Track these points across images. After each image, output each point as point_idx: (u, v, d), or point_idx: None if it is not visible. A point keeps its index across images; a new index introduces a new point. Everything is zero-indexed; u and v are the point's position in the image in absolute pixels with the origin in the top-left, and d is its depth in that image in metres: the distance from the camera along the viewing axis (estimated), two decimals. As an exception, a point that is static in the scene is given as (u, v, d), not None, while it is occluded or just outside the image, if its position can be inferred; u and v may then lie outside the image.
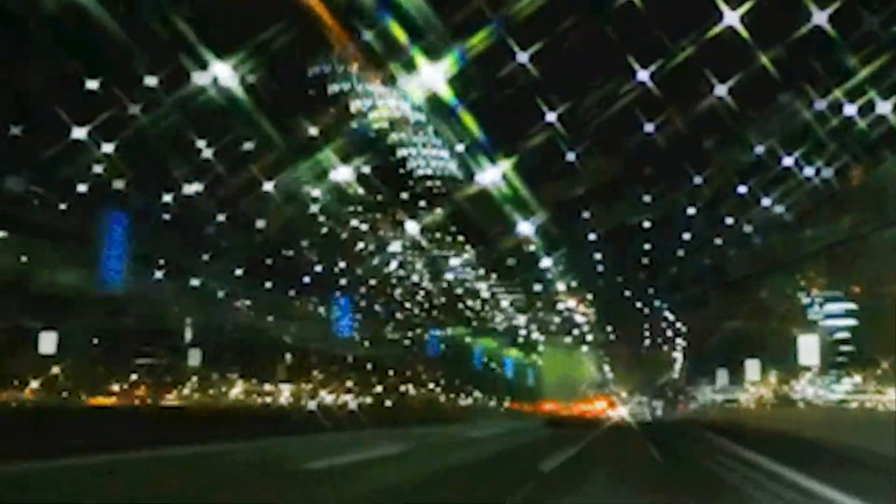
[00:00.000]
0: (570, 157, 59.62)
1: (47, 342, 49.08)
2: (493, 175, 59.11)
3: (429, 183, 73.95)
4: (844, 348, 65.79)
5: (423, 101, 63.50)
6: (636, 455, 24.55)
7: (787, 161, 57.71)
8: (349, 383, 69.47)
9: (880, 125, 48.38)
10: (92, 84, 51.48)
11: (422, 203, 73.38)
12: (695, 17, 45.88)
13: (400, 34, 53.41)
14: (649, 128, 57.00)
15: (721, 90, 50.05)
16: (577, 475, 17.31)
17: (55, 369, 54.37)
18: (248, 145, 59.44)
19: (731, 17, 42.97)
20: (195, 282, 61.29)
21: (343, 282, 70.65)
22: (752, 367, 64.04)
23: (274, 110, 54.15)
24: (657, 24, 47.75)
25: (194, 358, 58.75)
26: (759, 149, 59.61)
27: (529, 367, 77.16)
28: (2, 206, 49.73)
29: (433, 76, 53.41)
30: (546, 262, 71.30)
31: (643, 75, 49.84)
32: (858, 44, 46.08)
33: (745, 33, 43.25)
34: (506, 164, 58.12)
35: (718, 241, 68.96)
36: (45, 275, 48.24)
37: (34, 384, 54.24)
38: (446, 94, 55.59)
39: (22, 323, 48.64)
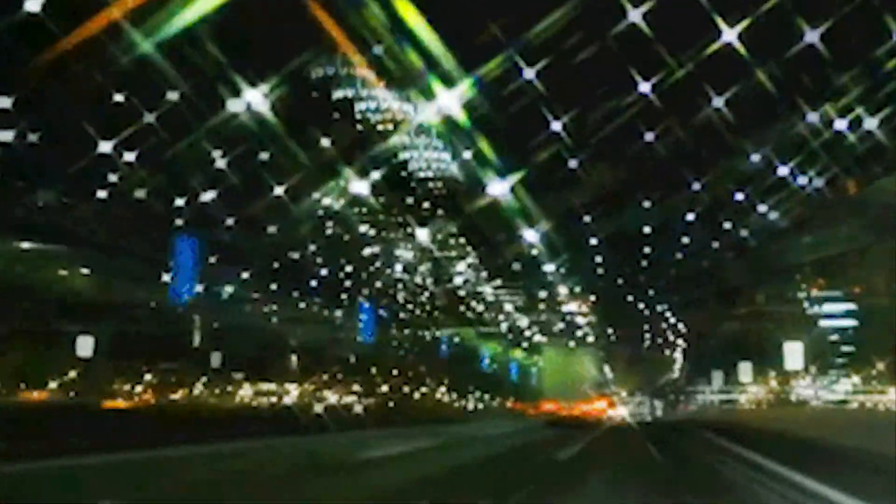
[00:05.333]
0: (573, 164, 61.27)
1: (84, 346, 51.79)
2: (501, 188, 60.56)
3: (433, 188, 74.14)
4: (844, 349, 65.91)
5: (436, 120, 64.17)
6: (636, 455, 24.59)
7: (782, 171, 59.26)
8: (355, 386, 69.62)
9: (868, 140, 50.97)
10: (118, 97, 52.39)
11: (426, 206, 73.54)
12: (695, 34, 47.42)
13: (414, 58, 54.59)
14: (650, 137, 59.57)
15: (719, 102, 51.86)
16: (578, 474, 17.36)
17: (72, 373, 55.89)
18: (258, 152, 60.46)
19: (730, 35, 44.65)
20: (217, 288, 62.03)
21: (348, 284, 70.91)
22: (745, 370, 65.37)
23: (282, 118, 54.85)
24: (659, 40, 48.38)
25: (215, 360, 59.78)
26: (756, 157, 61.14)
27: (531, 368, 77.21)
28: (41, 216, 52.15)
29: (449, 101, 54.76)
30: (549, 267, 72.07)
31: (645, 87, 51.46)
32: (848, 62, 49.11)
33: (742, 50, 45.28)
34: (514, 178, 59.62)
35: (716, 244, 69.92)
36: (84, 283, 51.54)
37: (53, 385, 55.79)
38: (461, 117, 57.10)
39: (60, 327, 51.72)
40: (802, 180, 59.28)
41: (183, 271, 56.32)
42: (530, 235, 65.17)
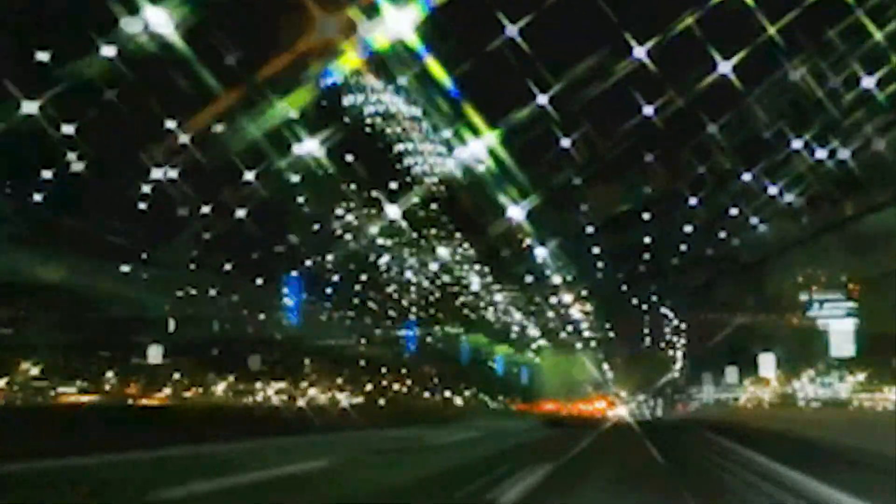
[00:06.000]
0: (577, 181, 63.32)
1: (154, 353, 58.74)
2: (518, 212, 62.24)
3: (433, 186, 74.25)
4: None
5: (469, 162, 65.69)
6: (636, 455, 24.59)
7: (772, 189, 61.73)
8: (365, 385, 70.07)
9: (842, 168, 55.60)
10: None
11: (432, 208, 73.79)
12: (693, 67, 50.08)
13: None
14: (649, 158, 63.56)
15: (726, 67, 50.40)
16: (578, 474, 17.38)
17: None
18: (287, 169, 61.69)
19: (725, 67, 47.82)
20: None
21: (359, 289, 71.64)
22: (731, 373, 68.64)
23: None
24: (661, 71, 49.78)
25: (254, 364, 62.18)
26: (746, 177, 63.22)
27: (532, 369, 77.37)
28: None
29: (476, 148, 58.88)
30: (550, 268, 73.18)
31: (648, 111, 52.97)
32: (827, 99, 52.66)
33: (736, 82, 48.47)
34: (529, 204, 61.67)
35: (711, 252, 71.91)
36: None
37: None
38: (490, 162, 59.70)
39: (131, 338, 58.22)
40: (789, 198, 62.44)
41: (294, 301, 68.54)
42: (539, 251, 69.40)
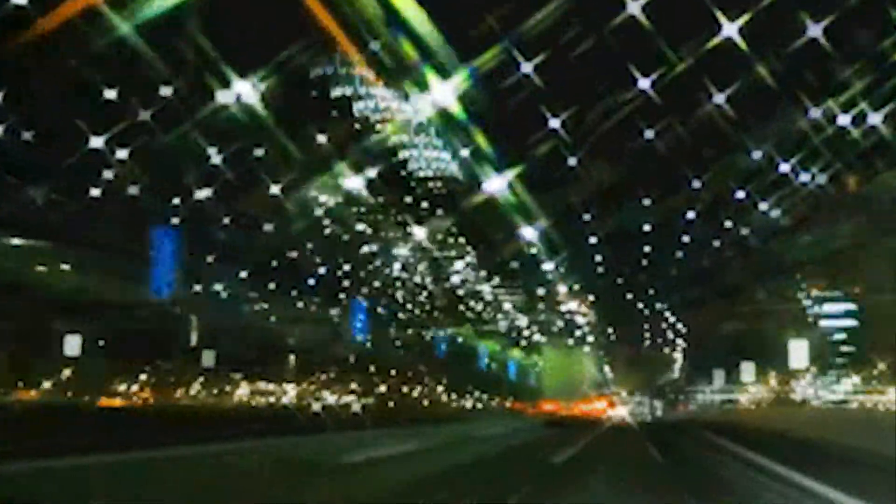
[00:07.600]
0: (572, 161, 60.72)
1: (72, 345, 51.73)
2: (499, 184, 60.28)
3: (431, 185, 74.13)
4: (844, 349, 65.91)
5: (431, 113, 63.70)
6: (636, 455, 24.56)
7: (784, 167, 58.83)
8: (353, 385, 69.55)
9: (872, 135, 50.21)
10: (110, 94, 52.06)
11: (424, 205, 73.57)
12: (695, 28, 46.81)
13: (409, 49, 54.44)
14: (650, 134, 58.88)
15: (720, 98, 51.05)
16: (577, 474, 17.37)
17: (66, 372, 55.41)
18: (254, 149, 60.07)
19: (731, 29, 43.98)
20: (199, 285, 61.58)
21: (346, 283, 70.95)
22: (748, 370, 65.12)
23: (278, 114, 54.68)
24: (658, 34, 47.65)
25: (208, 359, 58.89)
26: (757, 154, 60.26)
27: (531, 368, 77.22)
28: (29, 214, 51.62)
29: (444, 93, 54.55)
30: (548, 266, 72.15)
31: (644, 83, 50.87)
32: (851, 56, 48.25)
33: (743, 45, 44.53)
34: (511, 173, 59.50)
35: (717, 243, 69.65)
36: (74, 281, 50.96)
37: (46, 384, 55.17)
38: (456, 109, 56.84)
39: (50, 326, 51.73)
40: (805, 177, 58.66)
41: (162, 264, 55.32)
42: (529, 233, 65.60)
